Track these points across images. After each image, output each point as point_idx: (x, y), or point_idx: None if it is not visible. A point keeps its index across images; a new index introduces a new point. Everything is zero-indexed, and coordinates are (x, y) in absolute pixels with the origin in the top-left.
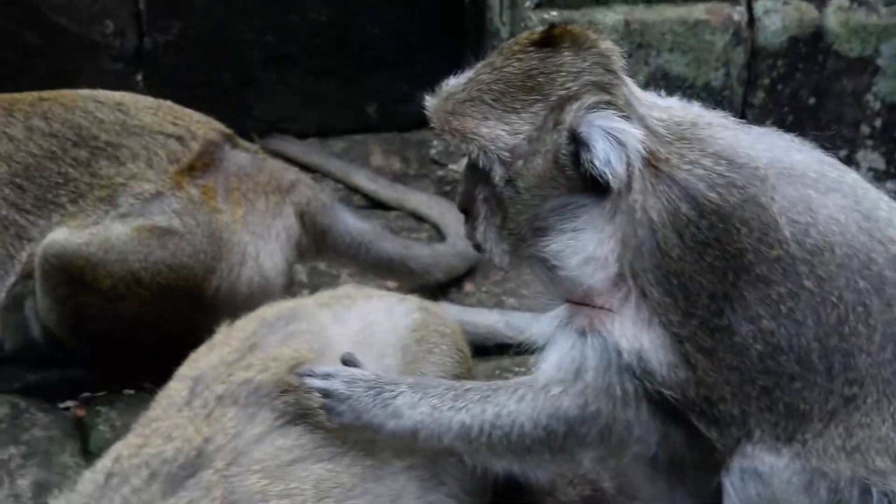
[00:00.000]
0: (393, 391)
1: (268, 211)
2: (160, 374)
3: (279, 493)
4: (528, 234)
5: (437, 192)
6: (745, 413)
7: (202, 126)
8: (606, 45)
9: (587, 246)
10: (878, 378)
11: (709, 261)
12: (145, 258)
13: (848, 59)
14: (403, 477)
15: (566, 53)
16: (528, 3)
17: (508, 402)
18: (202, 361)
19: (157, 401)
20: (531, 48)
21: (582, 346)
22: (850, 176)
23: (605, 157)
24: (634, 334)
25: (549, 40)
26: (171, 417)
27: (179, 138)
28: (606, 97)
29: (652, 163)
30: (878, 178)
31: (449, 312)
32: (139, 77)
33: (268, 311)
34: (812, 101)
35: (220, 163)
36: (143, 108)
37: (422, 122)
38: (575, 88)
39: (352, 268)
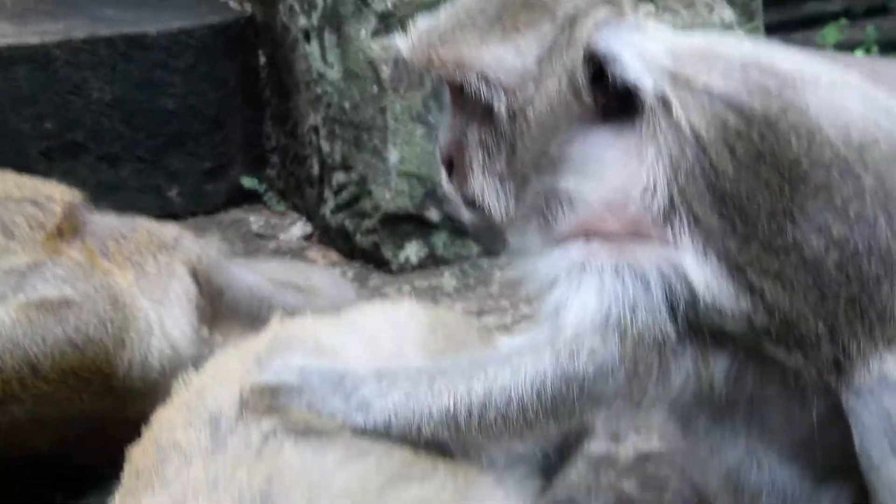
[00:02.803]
0: (354, 380)
1: (161, 273)
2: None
3: None
4: (533, 174)
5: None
6: (832, 329)
7: (54, 189)
8: None
9: (630, 174)
10: None
11: (764, 176)
12: (42, 340)
13: None
14: (501, 491)
15: None
16: (363, 33)
17: (501, 375)
18: (206, 403)
19: (153, 463)
20: None
21: (631, 284)
22: (844, 76)
23: (635, 67)
24: (698, 267)
25: None
26: (200, 469)
27: (34, 202)
28: (618, 10)
29: (681, 80)
30: None
31: None
32: None
33: (257, 346)
34: None
35: (88, 226)
36: None
37: (231, 199)
38: (583, 5)
39: (250, 328)
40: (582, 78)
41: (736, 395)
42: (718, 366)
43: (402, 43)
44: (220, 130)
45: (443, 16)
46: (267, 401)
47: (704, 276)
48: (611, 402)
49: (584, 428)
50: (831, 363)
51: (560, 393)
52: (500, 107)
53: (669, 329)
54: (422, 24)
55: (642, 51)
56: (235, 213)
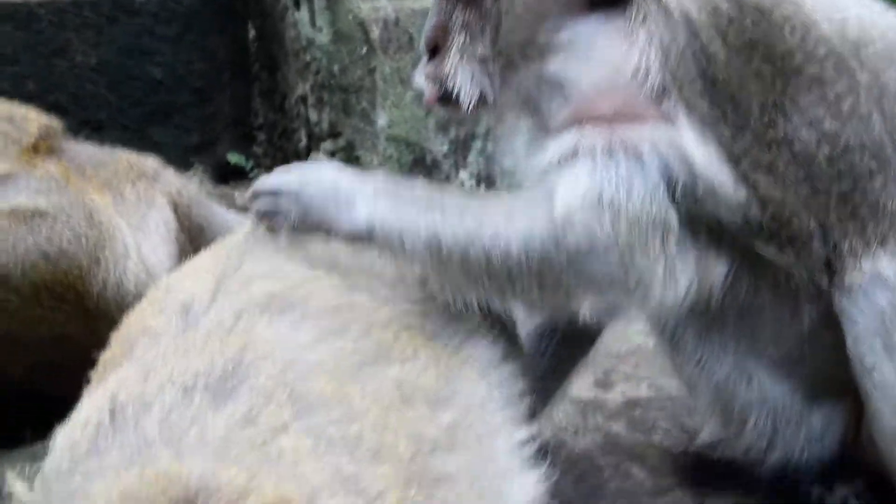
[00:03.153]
0: (350, 189)
1: (140, 200)
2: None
3: (360, 393)
4: (520, 60)
5: None
6: (824, 226)
7: (31, 112)
8: None
9: (621, 57)
10: None
11: (755, 65)
12: (13, 248)
13: None
14: (484, 384)
15: None
16: None
17: (495, 217)
18: (178, 294)
19: (121, 351)
20: None
21: (625, 162)
22: None
23: None
24: (696, 146)
25: None
26: (170, 344)
27: (9, 120)
28: None
29: None
30: None
31: None
32: None
33: (232, 242)
34: None
35: (65, 152)
36: None
37: (218, 175)
38: None
39: None
40: None
41: (728, 304)
42: (718, 269)
43: None
44: (207, 104)
45: None
46: (266, 203)
47: (704, 152)
48: (602, 288)
49: (569, 317)
50: (823, 263)
51: (548, 254)
52: None
53: (670, 215)
54: None
55: None
56: (221, 189)
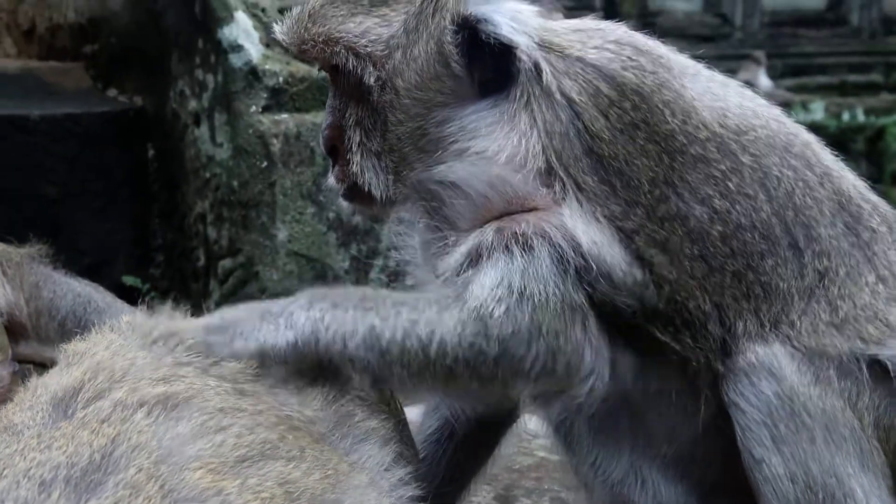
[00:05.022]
0: (284, 301)
1: None
2: None
3: (238, 488)
4: (413, 154)
5: None
6: (719, 307)
7: None
8: None
9: (504, 144)
10: (841, 250)
11: (641, 143)
12: None
13: None
14: (374, 492)
15: None
16: (253, 109)
17: (428, 310)
18: (49, 389)
19: None
20: None
21: (527, 257)
22: (723, 76)
23: (507, 25)
24: (585, 228)
25: None
26: (34, 438)
27: None
28: None
29: (555, 50)
30: None
31: None
32: None
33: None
34: None
35: None
36: None
37: (119, 296)
38: None
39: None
40: (449, 47)
41: (626, 398)
42: (626, 357)
43: (277, 28)
44: (104, 224)
45: None
46: (199, 339)
47: (591, 233)
48: (536, 378)
49: (508, 407)
50: (719, 346)
51: (480, 345)
52: (370, 79)
53: (580, 298)
54: (296, 9)
55: (515, 14)
56: None
